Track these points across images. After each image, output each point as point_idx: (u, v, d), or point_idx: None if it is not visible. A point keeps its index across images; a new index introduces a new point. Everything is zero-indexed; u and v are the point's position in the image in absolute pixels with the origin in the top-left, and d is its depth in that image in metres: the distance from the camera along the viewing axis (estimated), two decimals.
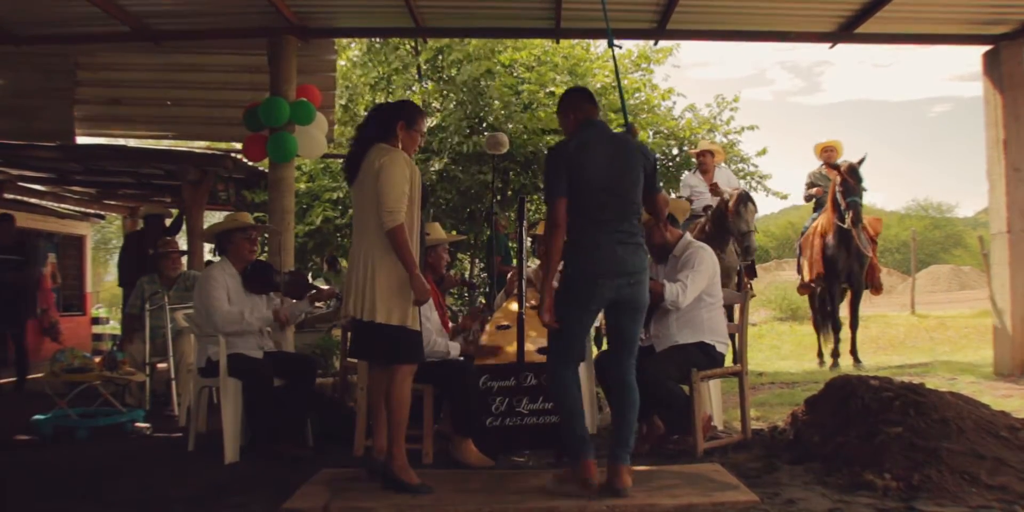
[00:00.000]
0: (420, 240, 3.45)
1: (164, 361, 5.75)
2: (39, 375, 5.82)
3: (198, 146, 9.42)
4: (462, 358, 4.22)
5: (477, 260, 11.21)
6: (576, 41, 10.68)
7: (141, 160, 8.15)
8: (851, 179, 6.90)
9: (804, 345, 9.50)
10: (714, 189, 7.36)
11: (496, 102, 9.72)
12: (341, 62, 10.16)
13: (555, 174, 3.25)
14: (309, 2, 6.07)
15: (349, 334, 4.00)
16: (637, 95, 10.80)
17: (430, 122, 9.70)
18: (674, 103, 12.33)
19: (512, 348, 4.07)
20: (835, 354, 7.37)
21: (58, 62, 7.10)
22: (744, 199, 6.58)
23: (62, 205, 10.70)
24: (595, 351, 4.94)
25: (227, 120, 7.10)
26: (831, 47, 6.72)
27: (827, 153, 7.62)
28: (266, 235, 6.33)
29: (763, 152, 11.38)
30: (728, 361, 4.35)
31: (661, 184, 10.39)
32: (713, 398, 4.52)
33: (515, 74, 10.62)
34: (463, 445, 3.84)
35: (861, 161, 6.98)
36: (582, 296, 3.24)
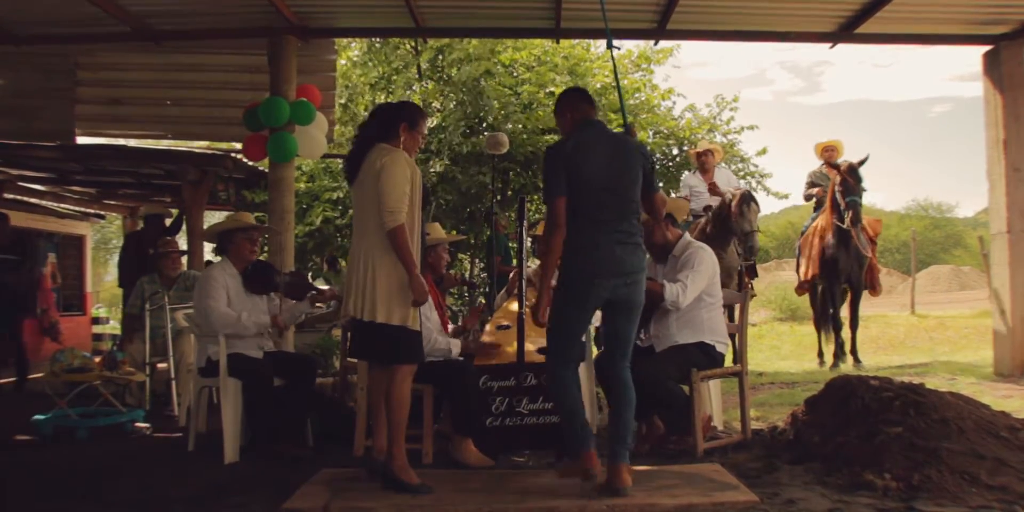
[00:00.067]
0: (420, 240, 3.45)
1: (164, 361, 5.75)
2: (39, 375, 5.83)
3: (198, 146, 9.42)
4: (462, 358, 4.22)
5: (477, 260, 11.21)
6: (576, 41, 10.68)
7: (141, 160, 8.14)
8: (851, 179, 6.90)
9: (804, 345, 9.50)
10: (712, 189, 7.36)
11: (495, 103, 9.72)
12: (341, 61, 10.16)
13: (554, 174, 3.25)
14: (309, 2, 6.07)
15: (349, 334, 4.00)
16: (637, 95, 10.80)
17: (430, 122, 9.70)
18: (674, 103, 12.34)
19: (512, 348, 4.07)
20: (836, 354, 7.37)
21: (58, 62, 7.10)
22: (747, 199, 6.58)
23: (62, 205, 10.69)
24: (595, 351, 4.94)
25: (227, 120, 7.10)
26: (831, 47, 6.72)
27: (828, 153, 7.61)
28: (266, 235, 6.33)
29: (763, 152, 11.40)
30: (728, 361, 4.35)
31: (661, 184, 10.43)
32: (713, 398, 4.52)
33: (515, 74, 10.63)
34: (463, 445, 3.84)
35: (862, 161, 6.98)
36: (579, 295, 3.24)
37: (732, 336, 4.33)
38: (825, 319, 7.57)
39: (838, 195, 6.98)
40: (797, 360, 8.53)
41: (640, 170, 3.33)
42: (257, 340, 4.39)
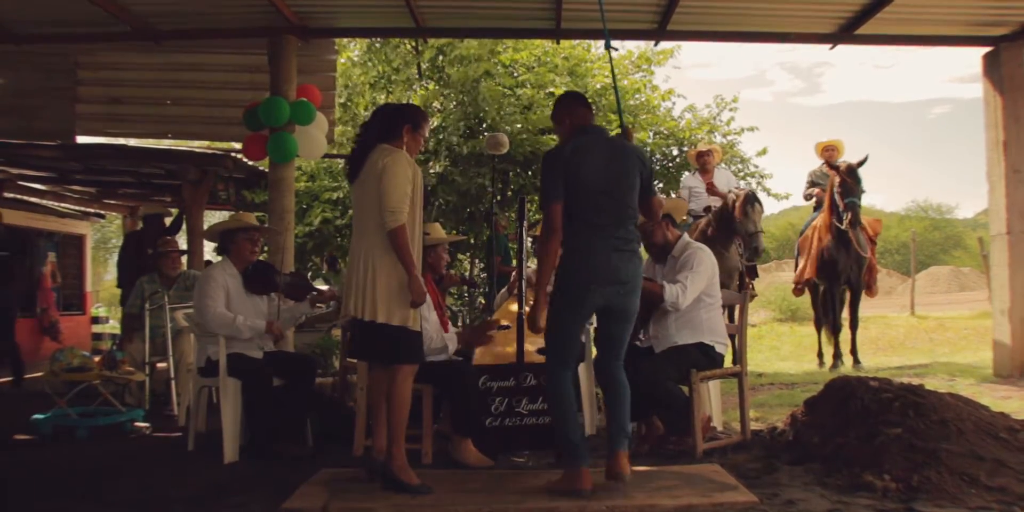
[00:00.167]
0: (420, 241, 3.46)
1: (164, 361, 5.75)
2: (38, 374, 5.83)
3: (198, 146, 9.42)
4: (461, 358, 4.22)
5: (477, 260, 11.21)
6: (576, 42, 10.68)
7: (141, 159, 8.15)
8: (849, 180, 6.89)
9: (804, 346, 9.50)
10: (710, 188, 7.36)
11: (492, 105, 9.71)
12: (340, 60, 10.16)
13: (551, 179, 3.25)
14: (309, 2, 6.06)
15: (349, 334, 4.00)
16: (637, 96, 10.81)
17: (430, 123, 9.72)
18: (673, 104, 12.34)
19: (512, 348, 4.07)
20: (836, 355, 7.37)
21: (59, 61, 7.10)
22: (751, 199, 6.58)
23: (62, 204, 10.71)
24: (595, 351, 4.94)
25: (227, 120, 7.09)
26: (831, 48, 6.72)
27: (828, 152, 7.61)
28: (265, 236, 6.34)
29: (763, 152, 11.41)
30: (728, 362, 4.35)
31: (661, 185, 10.37)
32: (712, 399, 4.52)
33: (515, 75, 10.63)
34: (462, 445, 3.84)
35: (861, 162, 6.97)
36: (575, 301, 3.25)
37: (732, 337, 4.34)
38: (826, 320, 7.57)
39: (837, 196, 6.98)
40: (797, 361, 8.52)
41: (638, 175, 3.33)
42: (257, 340, 4.39)
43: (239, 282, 4.41)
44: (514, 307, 4.44)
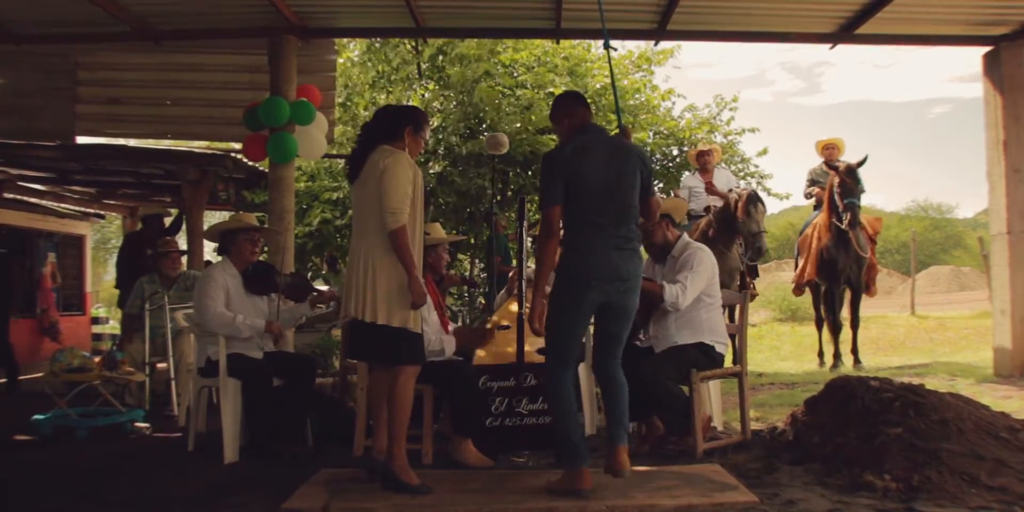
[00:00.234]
0: (421, 242, 3.46)
1: (164, 361, 5.75)
2: (39, 375, 5.82)
3: (198, 146, 9.42)
4: (461, 358, 4.22)
5: (477, 260, 11.21)
6: (576, 42, 10.68)
7: (141, 160, 8.15)
8: (849, 180, 6.88)
9: (804, 346, 9.50)
10: (709, 188, 7.36)
11: (489, 107, 9.71)
12: (340, 60, 10.17)
13: (551, 181, 3.25)
14: (309, 2, 6.06)
15: (349, 335, 3.99)
16: (637, 96, 10.81)
17: (431, 123, 9.72)
18: (673, 103, 12.35)
19: (512, 349, 4.07)
20: (836, 355, 7.37)
21: (58, 62, 7.10)
22: (754, 199, 6.57)
23: (62, 205, 10.70)
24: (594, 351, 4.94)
25: (227, 120, 7.10)
26: (831, 48, 6.72)
27: (828, 151, 7.61)
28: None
29: (764, 152, 11.41)
30: (728, 362, 4.35)
31: (661, 184, 10.37)
32: (713, 399, 4.52)
33: (515, 75, 10.62)
34: (462, 445, 3.84)
35: (861, 162, 6.96)
36: (575, 298, 3.24)
37: (732, 336, 4.34)
38: (827, 320, 7.56)
39: (836, 197, 6.97)
40: (797, 361, 8.52)
41: (638, 174, 3.33)
42: (257, 340, 4.39)
43: (239, 282, 4.41)
44: (514, 307, 4.44)
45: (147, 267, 6.27)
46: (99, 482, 3.72)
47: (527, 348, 3.97)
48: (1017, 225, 6.38)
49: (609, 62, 4.73)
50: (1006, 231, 6.41)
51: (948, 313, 12.30)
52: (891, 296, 18.96)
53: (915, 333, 10.05)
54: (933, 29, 6.57)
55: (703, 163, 7.59)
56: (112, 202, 11.09)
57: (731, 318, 6.14)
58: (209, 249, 9.19)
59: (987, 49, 6.61)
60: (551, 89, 10.03)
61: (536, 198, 10.02)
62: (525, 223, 4.01)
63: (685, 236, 4.28)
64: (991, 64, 6.62)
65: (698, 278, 4.01)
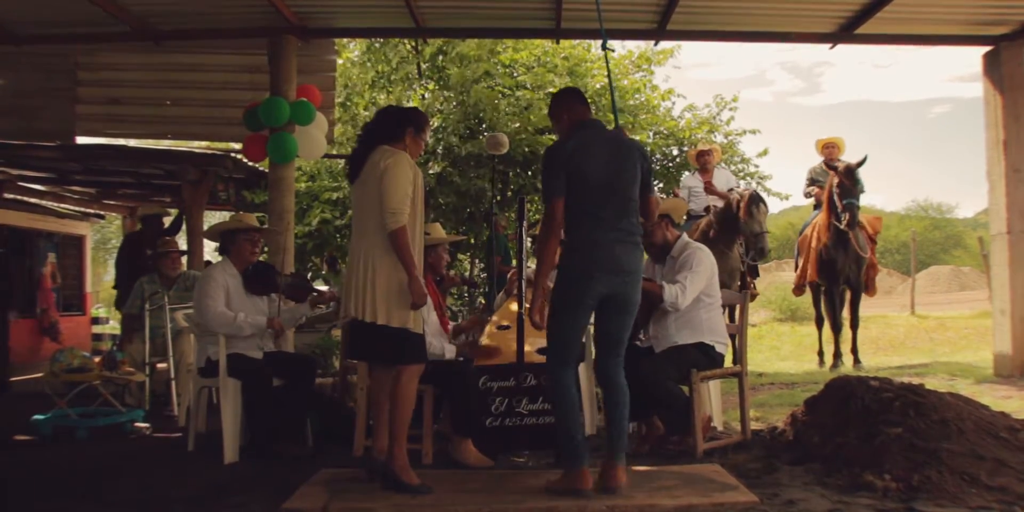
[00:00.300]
0: (421, 242, 3.46)
1: (164, 361, 5.75)
2: (38, 375, 5.82)
3: (198, 146, 9.42)
4: (461, 358, 4.22)
5: (477, 260, 11.22)
6: (576, 42, 10.68)
7: (141, 160, 8.15)
8: (847, 181, 6.86)
9: (804, 346, 9.50)
10: (708, 188, 7.36)
11: (488, 105, 9.71)
12: (339, 61, 10.17)
13: (553, 174, 3.26)
14: (309, 2, 6.06)
15: (349, 335, 3.99)
16: (637, 96, 10.81)
17: (431, 124, 9.73)
18: (673, 103, 12.36)
19: (512, 348, 4.07)
20: (836, 354, 7.37)
21: (58, 62, 7.10)
22: (756, 200, 6.57)
23: (62, 205, 10.70)
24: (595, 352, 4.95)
25: (227, 120, 7.10)
26: (831, 48, 6.72)
27: (828, 150, 7.61)
28: None
29: (764, 153, 11.40)
30: (728, 362, 4.35)
31: (661, 184, 10.37)
32: (713, 399, 4.52)
33: (515, 75, 10.63)
34: (462, 445, 3.84)
35: (861, 162, 6.96)
36: (577, 292, 3.24)
37: (732, 336, 4.34)
38: (827, 319, 7.56)
39: (835, 198, 6.96)
40: (797, 361, 8.52)
41: (639, 169, 3.34)
42: (257, 340, 4.39)
43: (239, 282, 4.42)
44: (514, 307, 4.44)
45: (146, 267, 6.27)
46: (99, 482, 3.72)
47: (527, 348, 3.97)
48: (1017, 225, 6.38)
49: (607, 63, 4.73)
50: (1006, 231, 6.41)
51: (948, 313, 12.30)
52: (891, 296, 18.95)
53: (915, 333, 10.05)
54: (933, 29, 6.57)
55: (703, 163, 7.59)
56: (112, 202, 11.09)
57: (731, 318, 6.14)
58: (209, 249, 9.20)
59: (987, 49, 6.61)
60: (550, 89, 10.03)
61: (536, 198, 10.04)
62: (525, 223, 4.01)
63: (684, 236, 4.28)
64: (991, 64, 6.62)
65: (697, 278, 4.01)
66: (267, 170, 6.54)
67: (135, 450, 4.51)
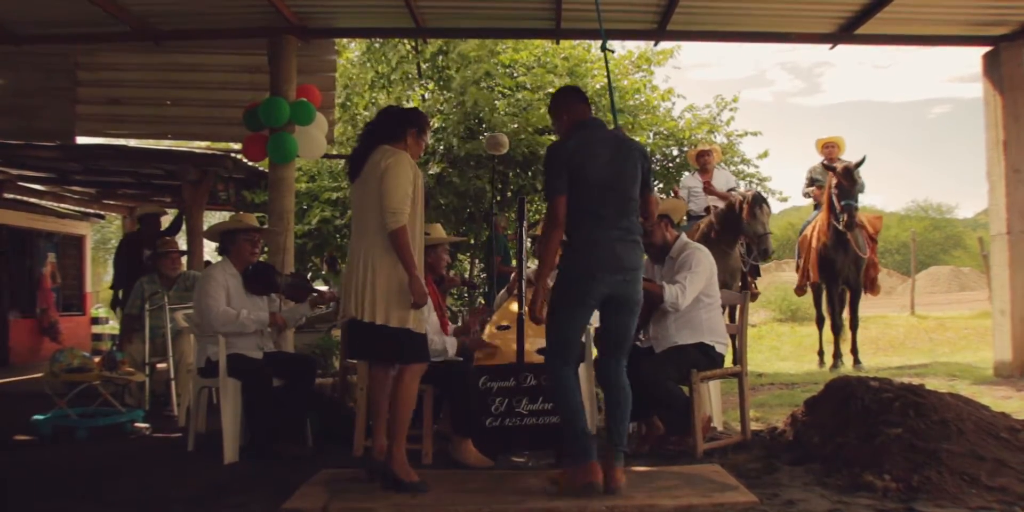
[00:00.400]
0: (421, 242, 3.46)
1: (164, 361, 5.75)
2: (38, 375, 5.82)
3: (198, 146, 9.42)
4: (461, 358, 4.22)
5: (477, 260, 11.22)
6: (576, 42, 10.68)
7: (141, 160, 8.16)
8: (846, 182, 6.86)
9: (804, 346, 9.49)
10: (707, 188, 7.35)
11: (487, 109, 9.71)
12: (339, 61, 10.17)
13: (555, 172, 3.26)
14: (309, 2, 6.07)
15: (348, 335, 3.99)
16: (637, 96, 10.80)
17: (431, 124, 9.73)
18: (673, 104, 12.35)
19: (512, 348, 4.07)
20: (836, 355, 7.37)
21: (58, 62, 7.10)
22: (759, 201, 6.57)
23: (62, 205, 10.71)
24: (595, 352, 4.95)
25: (227, 120, 7.10)
26: (831, 48, 6.72)
27: (828, 149, 7.61)
28: None
29: (764, 155, 11.40)
30: (728, 362, 4.34)
31: (661, 185, 10.37)
32: (713, 399, 4.52)
33: (514, 75, 10.62)
34: (462, 445, 3.83)
35: (860, 163, 6.96)
36: (579, 292, 3.24)
37: (732, 336, 4.33)
38: (827, 319, 7.56)
39: (834, 198, 6.96)
40: (797, 361, 8.52)
41: (639, 168, 3.35)
42: (257, 340, 4.39)
43: (239, 282, 4.42)
44: (514, 307, 4.44)
45: (145, 267, 6.27)
46: (99, 482, 3.72)
47: (527, 348, 3.97)
48: (1017, 225, 6.38)
49: (607, 63, 4.73)
50: (1006, 231, 6.41)
51: (948, 313, 12.30)
52: (891, 296, 18.95)
53: (915, 333, 10.05)
54: (933, 29, 6.57)
55: (703, 163, 7.59)
56: (112, 202, 11.10)
57: (731, 318, 6.14)
58: (209, 249, 9.21)
59: (987, 49, 6.61)
60: (550, 90, 10.03)
61: (536, 198, 10.04)
62: (525, 223, 4.01)
63: (683, 236, 4.28)
64: (991, 64, 6.62)
65: (697, 278, 4.01)
66: (267, 170, 6.54)
67: (135, 450, 4.50)
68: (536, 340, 4.10)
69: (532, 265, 6.12)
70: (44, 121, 7.21)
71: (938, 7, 6.08)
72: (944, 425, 3.35)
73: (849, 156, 7.53)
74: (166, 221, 7.84)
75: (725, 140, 10.89)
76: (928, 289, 20.81)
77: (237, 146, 7.65)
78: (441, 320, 4.36)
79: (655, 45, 10.22)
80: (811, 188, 7.88)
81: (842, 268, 7.11)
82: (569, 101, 3.47)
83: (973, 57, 6.79)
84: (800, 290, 7.90)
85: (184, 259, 6.66)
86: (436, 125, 9.84)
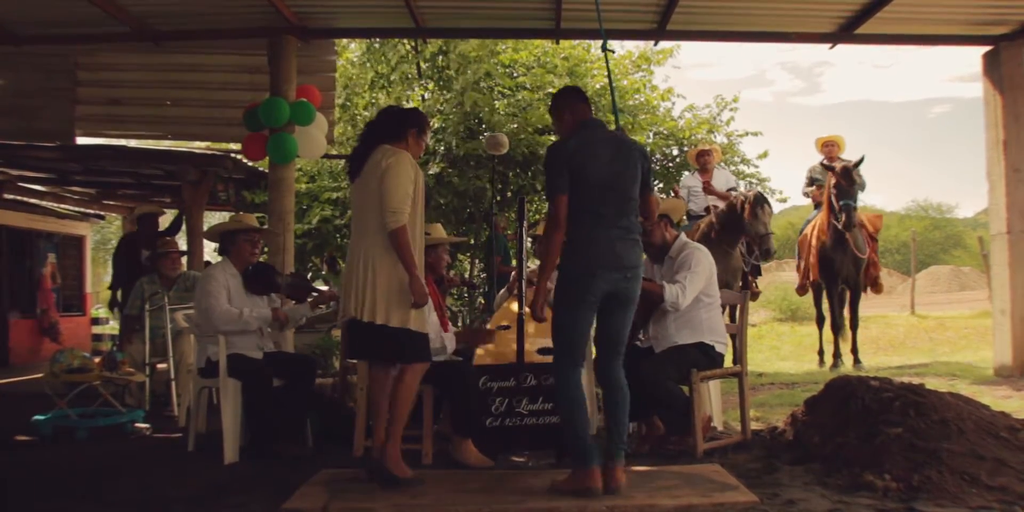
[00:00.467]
0: (422, 242, 3.47)
1: (164, 361, 5.75)
2: (38, 375, 5.82)
3: (198, 146, 9.42)
4: (461, 358, 4.22)
5: (477, 260, 11.21)
6: (576, 42, 10.68)
7: (141, 160, 8.16)
8: (844, 181, 6.85)
9: (804, 346, 9.49)
10: (707, 188, 7.35)
11: (486, 109, 9.71)
12: (339, 61, 10.17)
13: (556, 172, 3.27)
14: (309, 2, 6.07)
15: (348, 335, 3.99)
16: (637, 96, 10.79)
17: (431, 124, 9.72)
18: (673, 104, 12.34)
19: (512, 349, 4.07)
20: (836, 354, 7.37)
21: (58, 62, 7.11)
22: (760, 201, 6.57)
23: (62, 205, 10.71)
24: (595, 352, 4.95)
25: (227, 120, 7.11)
26: (831, 48, 6.72)
27: (828, 148, 7.62)
28: None
29: (764, 155, 11.39)
30: (728, 361, 4.34)
31: (661, 184, 10.37)
32: (713, 399, 4.52)
33: (514, 76, 10.62)
34: (462, 445, 3.83)
35: (859, 163, 6.96)
36: (580, 289, 3.25)
37: (732, 336, 4.34)
38: (827, 319, 7.56)
39: (833, 198, 6.96)
40: (797, 361, 8.52)
41: (639, 168, 3.35)
42: (257, 340, 4.39)
43: (239, 282, 4.42)
44: (514, 307, 4.44)
45: (143, 267, 6.27)
46: (99, 482, 3.72)
47: (527, 348, 3.97)
48: (1017, 225, 6.38)
49: (607, 64, 4.73)
50: (1006, 231, 6.41)
51: (948, 313, 12.30)
52: (891, 296, 18.92)
53: (915, 333, 10.05)
54: (933, 29, 6.57)
55: (703, 163, 7.59)
56: (112, 203, 11.10)
57: (732, 318, 6.14)
58: (209, 249, 9.20)
59: (987, 49, 6.62)
60: (550, 90, 10.02)
61: (536, 198, 10.04)
62: (525, 223, 4.01)
63: (683, 236, 4.28)
64: (991, 64, 6.62)
65: (697, 278, 4.01)
66: (267, 170, 6.54)
67: (135, 450, 4.50)
68: (536, 340, 4.10)
69: (532, 265, 6.12)
70: (44, 121, 7.22)
71: (938, 7, 6.08)
72: (944, 425, 3.35)
73: (849, 155, 7.53)
74: (165, 221, 7.84)
75: (725, 140, 10.87)
76: (928, 289, 20.81)
77: (237, 146, 7.66)
78: (441, 320, 4.35)
79: (655, 45, 10.22)
80: (811, 188, 7.88)
81: (841, 267, 7.11)
82: (570, 101, 3.48)
83: (973, 57, 6.81)
84: (801, 290, 7.90)
85: (184, 259, 6.66)
86: (436, 125, 9.83)
